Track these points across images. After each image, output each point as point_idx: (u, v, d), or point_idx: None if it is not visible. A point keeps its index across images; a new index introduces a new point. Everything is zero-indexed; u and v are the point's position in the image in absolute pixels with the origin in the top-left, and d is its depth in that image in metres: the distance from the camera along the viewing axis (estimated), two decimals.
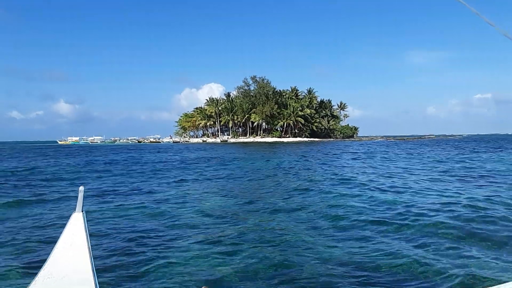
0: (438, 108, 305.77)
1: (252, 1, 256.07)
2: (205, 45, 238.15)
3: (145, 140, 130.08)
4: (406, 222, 8.98)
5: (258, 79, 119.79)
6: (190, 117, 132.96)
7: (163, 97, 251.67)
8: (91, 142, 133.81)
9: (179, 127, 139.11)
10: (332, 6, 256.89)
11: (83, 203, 2.67)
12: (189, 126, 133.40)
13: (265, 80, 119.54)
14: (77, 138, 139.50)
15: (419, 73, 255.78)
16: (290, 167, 24.86)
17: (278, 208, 11.05)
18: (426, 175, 18.84)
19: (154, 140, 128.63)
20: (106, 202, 12.42)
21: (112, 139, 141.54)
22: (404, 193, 13.36)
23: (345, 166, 25.36)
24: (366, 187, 14.85)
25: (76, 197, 2.66)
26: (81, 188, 2.68)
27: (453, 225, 8.48)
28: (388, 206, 11.02)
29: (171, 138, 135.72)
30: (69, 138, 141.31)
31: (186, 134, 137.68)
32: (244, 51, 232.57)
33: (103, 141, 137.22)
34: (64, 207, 11.56)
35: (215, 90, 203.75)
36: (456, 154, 37.29)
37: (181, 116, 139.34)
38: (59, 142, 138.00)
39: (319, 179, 17.98)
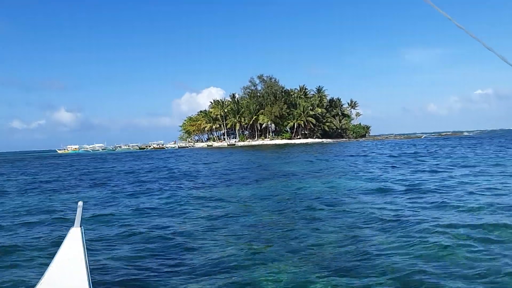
0: (439, 105, 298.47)
1: (249, 4, 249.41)
2: (203, 48, 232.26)
3: (148, 147, 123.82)
4: None
5: (265, 78, 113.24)
6: (194, 120, 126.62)
7: (163, 102, 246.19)
8: (92, 150, 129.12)
9: (183, 131, 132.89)
10: (323, 6, 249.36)
11: (81, 218, 2.69)
12: (193, 130, 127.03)
13: (273, 79, 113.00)
14: (77, 147, 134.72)
15: (417, 70, 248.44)
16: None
17: None
18: None
19: (158, 146, 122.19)
20: None
21: (115, 146, 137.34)
22: None
23: None
24: None
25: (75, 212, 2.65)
26: (80, 203, 2.72)
27: None
28: None
29: (175, 143, 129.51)
30: (68, 146, 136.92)
31: (191, 139, 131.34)
32: (243, 54, 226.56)
33: (104, 149, 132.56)
34: None
35: (215, 94, 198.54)
36: None
37: (185, 120, 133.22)
38: (58, 151, 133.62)
39: None
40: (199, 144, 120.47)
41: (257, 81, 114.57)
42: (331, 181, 17.92)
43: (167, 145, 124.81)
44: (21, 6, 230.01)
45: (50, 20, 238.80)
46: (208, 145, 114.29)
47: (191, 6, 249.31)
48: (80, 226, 2.67)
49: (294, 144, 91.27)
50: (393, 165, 25.36)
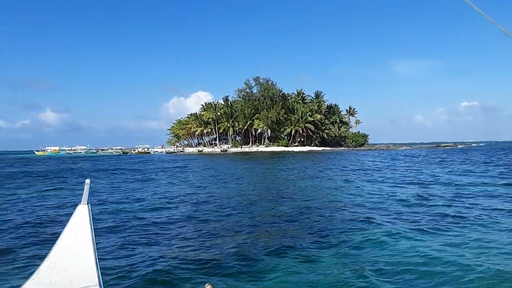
0: (426, 117, 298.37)
1: (240, 8, 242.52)
2: (192, 52, 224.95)
3: (132, 151, 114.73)
4: None
5: (261, 80, 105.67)
6: (184, 124, 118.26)
7: (151, 105, 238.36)
8: (73, 153, 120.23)
9: (172, 135, 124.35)
10: (317, 17, 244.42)
11: (88, 195, 2.67)
12: (183, 134, 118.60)
13: (270, 82, 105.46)
14: (57, 148, 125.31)
15: (405, 82, 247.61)
16: None
17: None
18: None
19: (143, 151, 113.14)
20: None
21: (97, 148, 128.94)
22: None
23: None
24: None
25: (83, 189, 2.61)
26: (87, 181, 2.72)
27: None
28: None
29: (162, 147, 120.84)
30: (47, 148, 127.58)
31: (180, 143, 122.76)
32: (232, 58, 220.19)
33: (86, 151, 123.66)
34: None
35: (203, 99, 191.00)
36: None
37: (174, 123, 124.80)
38: (36, 153, 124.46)
39: None
40: (189, 149, 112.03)
41: (253, 84, 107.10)
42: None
43: (154, 149, 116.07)
44: (9, 5, 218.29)
45: (39, 19, 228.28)
46: (198, 151, 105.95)
47: (181, 10, 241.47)
48: (87, 204, 2.63)
49: (294, 152, 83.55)
50: None
